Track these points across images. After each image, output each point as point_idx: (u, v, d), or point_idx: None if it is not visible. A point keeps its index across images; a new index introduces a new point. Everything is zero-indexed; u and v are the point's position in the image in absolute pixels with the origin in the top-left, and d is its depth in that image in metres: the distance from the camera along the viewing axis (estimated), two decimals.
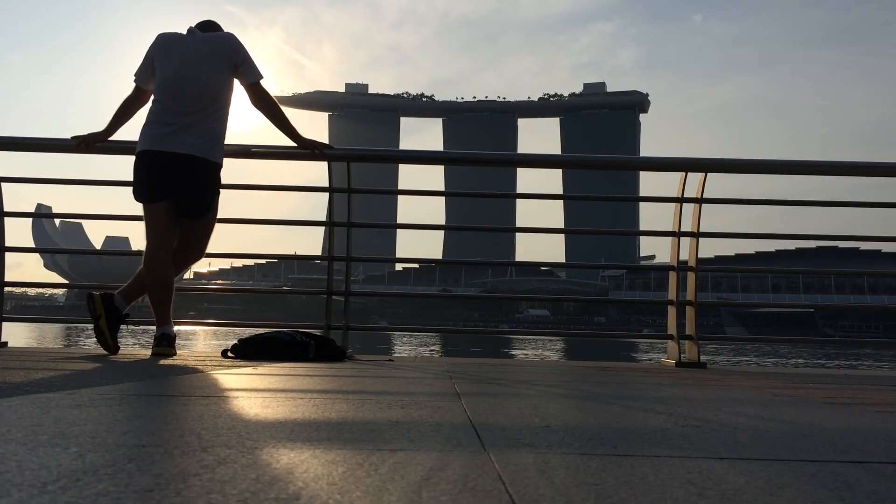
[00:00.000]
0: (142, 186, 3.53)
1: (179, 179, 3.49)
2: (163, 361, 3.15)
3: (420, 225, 8.58)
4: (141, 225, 3.62)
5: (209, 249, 3.89)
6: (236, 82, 3.68)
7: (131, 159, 3.60)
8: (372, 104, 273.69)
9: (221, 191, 3.74)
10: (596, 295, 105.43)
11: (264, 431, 1.23)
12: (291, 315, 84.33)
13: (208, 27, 3.74)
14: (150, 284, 3.55)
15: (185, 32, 3.65)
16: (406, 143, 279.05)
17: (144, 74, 3.66)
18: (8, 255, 4.33)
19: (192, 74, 3.52)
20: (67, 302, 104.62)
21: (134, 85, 3.73)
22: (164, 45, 3.62)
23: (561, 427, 1.42)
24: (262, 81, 3.67)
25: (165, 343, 3.51)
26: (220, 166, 3.64)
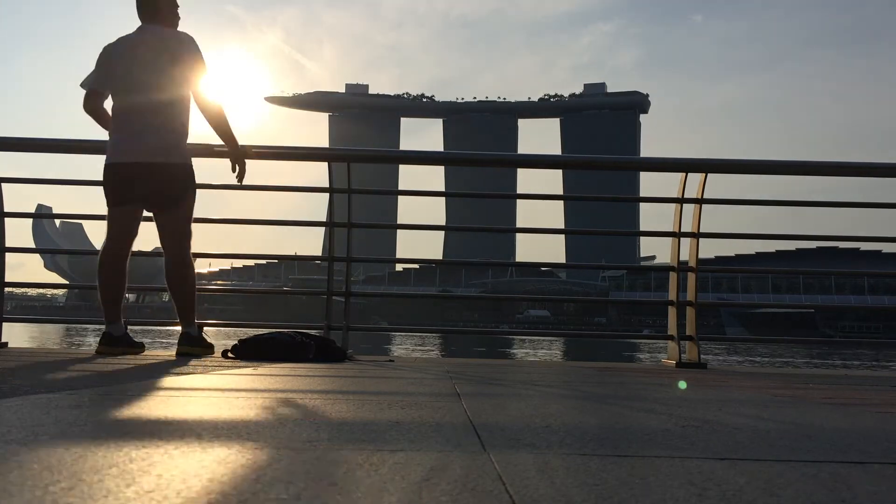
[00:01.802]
0: (106, 193, 3.55)
1: (140, 186, 3.49)
2: (127, 360, 3.16)
3: (420, 225, 8.57)
4: (143, 226, 3.63)
5: (211, 250, 3.88)
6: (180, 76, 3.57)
7: None
8: (372, 105, 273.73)
9: (222, 192, 3.73)
10: (596, 295, 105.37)
11: (265, 432, 1.23)
12: (292, 315, 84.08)
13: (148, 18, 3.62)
14: (99, 284, 3.57)
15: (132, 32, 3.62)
16: (406, 143, 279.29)
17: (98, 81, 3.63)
18: (10, 255, 4.33)
19: (131, 76, 3.50)
20: (68, 302, 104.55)
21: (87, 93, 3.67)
22: (108, 53, 3.58)
23: (561, 427, 1.42)
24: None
25: (105, 342, 3.54)
26: (181, 165, 3.56)
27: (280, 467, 0.93)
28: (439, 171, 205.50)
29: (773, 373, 4.19)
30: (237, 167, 3.73)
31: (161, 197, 3.52)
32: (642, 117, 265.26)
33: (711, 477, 0.96)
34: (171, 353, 3.66)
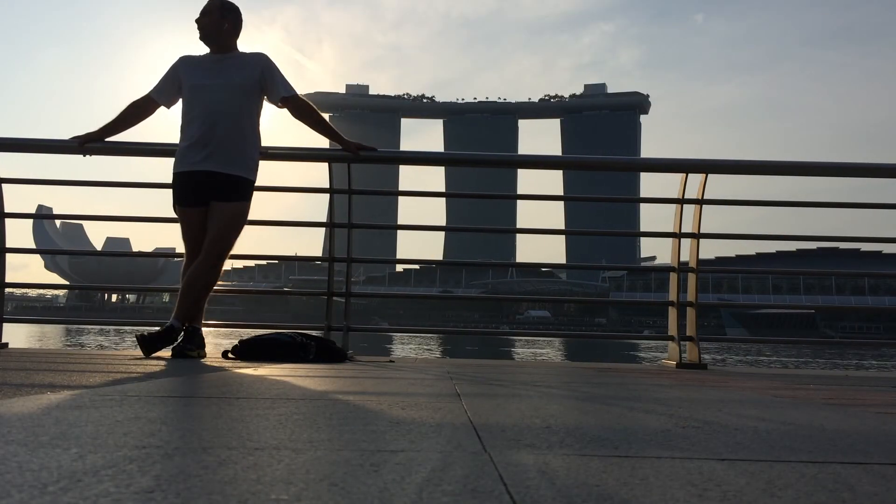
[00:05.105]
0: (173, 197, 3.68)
1: (201, 190, 3.58)
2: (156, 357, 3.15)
3: (421, 226, 8.56)
4: (141, 226, 3.67)
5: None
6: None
7: (131, 161, 3.63)
8: (372, 105, 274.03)
9: None
10: (597, 296, 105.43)
11: (265, 432, 1.23)
12: (292, 316, 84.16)
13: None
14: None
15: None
16: (406, 144, 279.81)
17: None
18: (13, 256, 4.33)
19: (206, 91, 3.59)
20: (68, 303, 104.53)
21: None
22: (185, 64, 3.71)
23: (561, 428, 1.42)
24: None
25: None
26: (241, 178, 3.63)
27: (280, 468, 0.93)
28: (440, 171, 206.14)
29: (774, 373, 4.19)
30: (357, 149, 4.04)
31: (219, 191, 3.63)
32: (642, 118, 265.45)
33: (712, 477, 0.96)
34: (168, 353, 3.65)
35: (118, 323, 16.81)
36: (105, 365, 2.88)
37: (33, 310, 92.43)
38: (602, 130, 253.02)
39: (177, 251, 4.06)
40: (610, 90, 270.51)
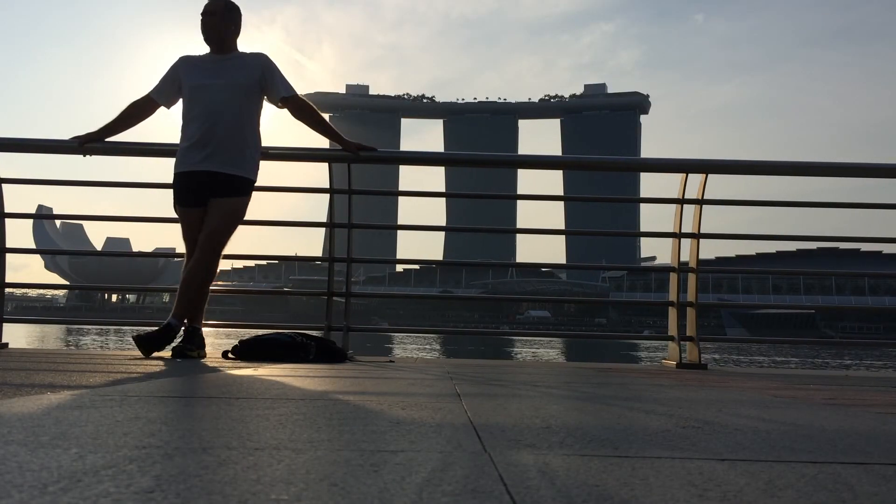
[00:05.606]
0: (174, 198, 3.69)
1: (202, 190, 3.59)
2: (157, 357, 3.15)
3: (421, 226, 8.56)
4: (141, 226, 3.68)
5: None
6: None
7: (131, 161, 3.63)
8: (372, 105, 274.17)
9: None
10: (596, 296, 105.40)
11: (265, 433, 1.23)
12: (292, 316, 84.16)
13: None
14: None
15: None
16: (407, 144, 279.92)
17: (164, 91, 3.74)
18: (13, 257, 4.33)
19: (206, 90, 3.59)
20: (68, 303, 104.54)
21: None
22: (185, 65, 3.71)
23: (562, 428, 1.42)
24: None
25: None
26: (241, 178, 3.63)
27: (280, 468, 0.93)
28: (440, 171, 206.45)
29: (774, 373, 4.19)
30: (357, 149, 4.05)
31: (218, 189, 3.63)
32: (642, 118, 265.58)
33: (712, 478, 0.96)
34: (168, 353, 3.65)
35: (118, 323, 16.84)
36: (105, 365, 2.88)
37: (33, 310, 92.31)
38: (602, 130, 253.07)
39: (177, 251, 4.07)
40: (610, 90, 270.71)
